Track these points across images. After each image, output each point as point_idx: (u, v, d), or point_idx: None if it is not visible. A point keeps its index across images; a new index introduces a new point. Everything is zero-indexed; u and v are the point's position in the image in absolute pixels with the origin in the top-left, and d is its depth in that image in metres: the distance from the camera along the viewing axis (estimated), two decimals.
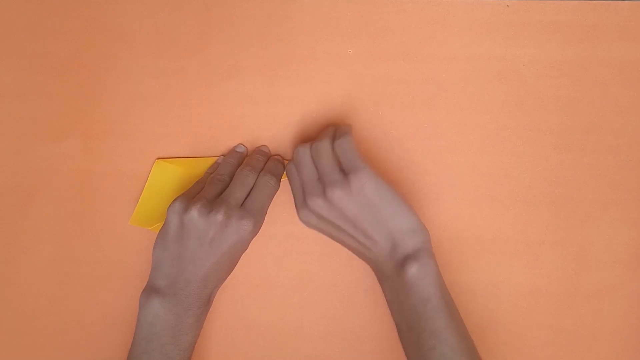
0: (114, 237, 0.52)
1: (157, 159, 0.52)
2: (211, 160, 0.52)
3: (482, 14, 0.51)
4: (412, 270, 0.43)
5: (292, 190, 0.48)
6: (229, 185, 0.48)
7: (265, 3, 0.52)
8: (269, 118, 0.52)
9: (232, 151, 0.52)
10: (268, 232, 0.52)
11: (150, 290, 0.45)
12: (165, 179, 0.51)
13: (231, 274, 0.51)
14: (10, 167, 0.52)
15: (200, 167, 0.51)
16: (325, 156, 0.46)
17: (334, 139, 0.46)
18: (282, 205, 0.51)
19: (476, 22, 0.51)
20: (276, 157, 0.51)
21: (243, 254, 0.48)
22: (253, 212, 0.46)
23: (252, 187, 0.48)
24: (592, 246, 0.51)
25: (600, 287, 0.51)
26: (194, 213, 0.45)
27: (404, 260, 0.44)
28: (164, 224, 0.46)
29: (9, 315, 0.52)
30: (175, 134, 0.52)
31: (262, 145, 0.52)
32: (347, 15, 0.52)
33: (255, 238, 0.51)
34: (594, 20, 0.51)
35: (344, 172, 0.44)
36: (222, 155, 0.52)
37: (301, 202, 0.46)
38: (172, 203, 0.46)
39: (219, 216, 0.45)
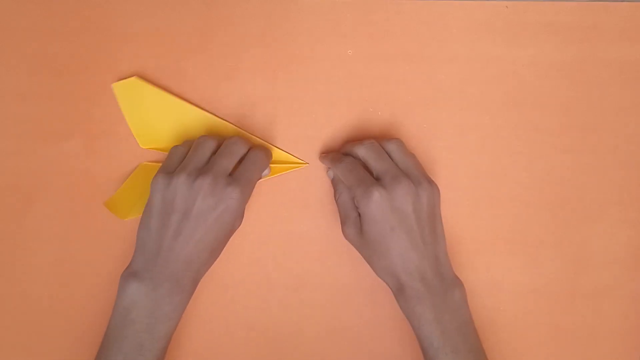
0: (114, 237, 0.52)
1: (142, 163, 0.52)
2: None
3: (482, 14, 0.52)
4: (459, 293, 0.45)
5: (356, 177, 0.46)
6: (217, 154, 0.46)
7: (265, 3, 0.52)
8: (269, 118, 0.52)
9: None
10: (268, 232, 0.52)
11: (129, 273, 0.44)
12: (148, 178, 0.50)
13: (231, 274, 0.51)
14: (11, 167, 0.52)
15: None
16: (411, 156, 0.47)
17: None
18: (282, 206, 0.51)
19: (475, 23, 0.52)
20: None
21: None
22: (241, 180, 0.45)
23: (242, 159, 0.47)
24: (591, 246, 0.51)
25: (599, 287, 0.51)
26: (177, 183, 0.43)
27: (453, 282, 0.45)
28: (147, 202, 0.45)
29: (9, 314, 0.52)
30: None
31: None
32: (346, 16, 0.52)
33: (255, 238, 0.51)
34: (594, 21, 0.51)
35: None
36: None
37: (376, 184, 0.44)
38: (154, 179, 0.44)
39: (205, 182, 0.43)
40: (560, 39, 0.51)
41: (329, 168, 0.50)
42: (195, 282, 0.45)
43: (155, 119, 0.51)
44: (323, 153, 0.51)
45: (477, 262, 0.51)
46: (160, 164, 0.48)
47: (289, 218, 0.52)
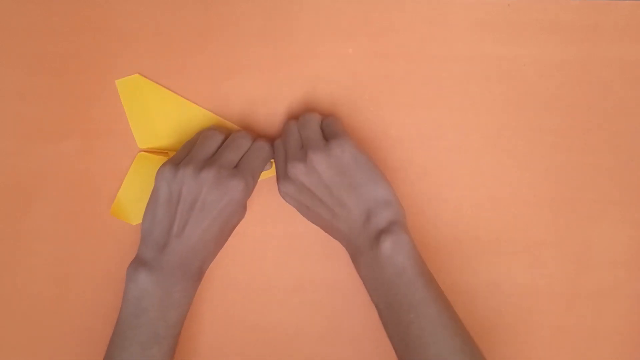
0: (114, 237, 0.52)
1: (140, 151, 0.52)
2: None
3: (483, 13, 0.51)
4: (386, 243, 0.43)
5: (276, 164, 0.48)
6: (222, 147, 0.47)
7: (265, 3, 0.52)
8: (269, 118, 0.52)
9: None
10: (268, 232, 0.52)
11: (138, 263, 0.44)
12: (148, 170, 0.50)
13: (231, 274, 0.51)
14: (10, 167, 0.52)
15: None
16: (311, 126, 0.47)
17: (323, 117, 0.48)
18: (282, 206, 0.51)
19: (477, 22, 0.51)
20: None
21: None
22: (245, 172, 0.45)
23: (246, 152, 0.47)
24: (592, 246, 0.51)
25: (600, 287, 0.51)
26: (184, 174, 0.44)
27: (379, 234, 0.43)
28: (152, 192, 0.45)
29: (9, 314, 0.52)
30: None
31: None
32: (347, 14, 0.52)
33: (255, 238, 0.51)
34: (595, 20, 0.51)
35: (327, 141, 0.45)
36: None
37: (283, 172, 0.46)
38: (160, 169, 0.45)
39: (210, 174, 0.44)
40: (561, 37, 0.51)
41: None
42: (202, 271, 0.46)
43: (156, 116, 0.51)
44: None
45: (478, 262, 0.51)
46: (158, 154, 0.49)
47: (289, 218, 0.51)
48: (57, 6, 0.52)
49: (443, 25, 0.51)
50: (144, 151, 0.52)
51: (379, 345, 0.51)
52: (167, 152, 0.51)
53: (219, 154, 0.46)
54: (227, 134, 0.48)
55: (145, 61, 0.52)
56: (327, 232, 0.48)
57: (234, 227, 0.48)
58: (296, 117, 0.51)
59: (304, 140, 0.46)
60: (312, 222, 0.48)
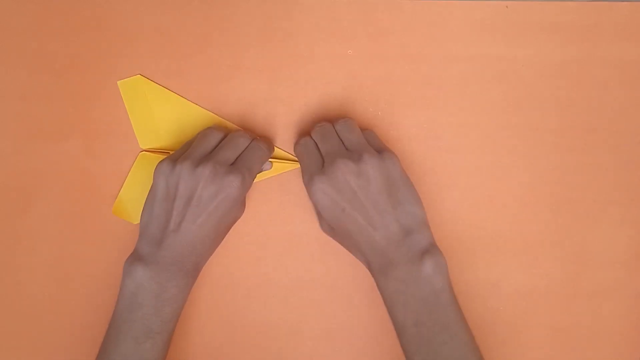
0: (114, 237, 0.52)
1: (142, 151, 0.52)
2: None
3: (482, 14, 0.52)
4: (430, 262, 0.43)
5: (305, 160, 0.47)
6: (220, 145, 0.47)
7: (265, 3, 0.52)
8: (269, 118, 0.52)
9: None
10: (268, 232, 0.52)
11: (135, 258, 0.44)
12: (150, 170, 0.50)
13: (231, 274, 0.51)
14: (11, 167, 0.52)
15: None
16: (357, 132, 0.47)
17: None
18: (282, 205, 0.51)
19: (475, 23, 0.52)
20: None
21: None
22: (242, 169, 0.45)
23: (243, 151, 0.47)
24: (591, 246, 0.51)
25: (599, 287, 0.51)
26: (181, 169, 0.44)
27: (422, 252, 0.43)
28: (151, 187, 0.46)
29: (8, 314, 0.52)
30: None
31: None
32: (346, 15, 0.52)
33: (255, 238, 0.51)
34: (594, 21, 0.51)
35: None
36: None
37: (317, 168, 0.45)
38: (158, 165, 0.45)
39: (206, 170, 0.44)
40: (560, 38, 0.51)
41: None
42: (198, 267, 0.46)
43: (158, 116, 0.51)
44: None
45: (477, 262, 0.51)
46: (160, 154, 0.49)
47: (289, 218, 0.52)
48: (58, 6, 0.52)
49: (442, 26, 0.52)
50: (146, 151, 0.52)
51: (379, 345, 0.51)
52: (168, 152, 0.52)
53: (216, 151, 0.46)
54: (226, 133, 0.48)
55: (145, 61, 0.52)
56: (350, 240, 0.46)
57: (232, 223, 0.48)
58: (294, 118, 0.51)
59: (350, 143, 0.46)
60: (337, 227, 0.46)
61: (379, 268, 0.44)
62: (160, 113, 0.51)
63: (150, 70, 0.52)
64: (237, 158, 0.47)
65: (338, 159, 0.44)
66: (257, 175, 0.49)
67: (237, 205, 0.46)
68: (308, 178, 0.45)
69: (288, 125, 0.52)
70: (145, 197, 0.47)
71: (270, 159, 0.50)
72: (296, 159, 0.51)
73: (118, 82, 0.51)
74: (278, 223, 0.52)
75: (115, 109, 0.52)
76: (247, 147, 0.48)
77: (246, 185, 0.46)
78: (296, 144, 0.49)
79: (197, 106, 0.51)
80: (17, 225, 0.52)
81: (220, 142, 0.47)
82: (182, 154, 0.46)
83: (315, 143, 0.47)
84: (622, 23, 0.51)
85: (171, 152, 0.51)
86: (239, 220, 0.49)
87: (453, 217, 0.51)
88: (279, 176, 0.52)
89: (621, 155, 0.51)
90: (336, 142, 0.46)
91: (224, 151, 0.46)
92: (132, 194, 0.51)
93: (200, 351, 0.52)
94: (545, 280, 0.51)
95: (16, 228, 0.52)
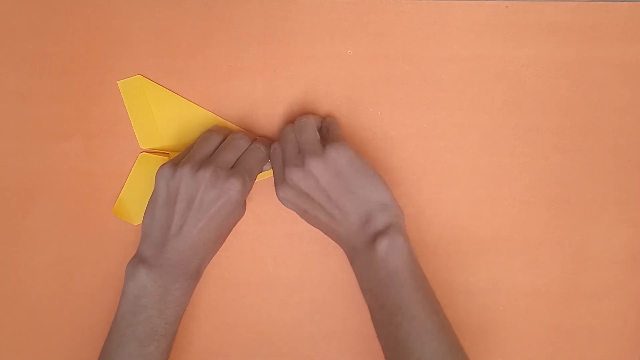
0: (114, 237, 0.52)
1: (142, 152, 0.52)
2: None
3: (481, 14, 0.52)
4: (382, 245, 0.43)
5: (273, 168, 0.48)
6: (220, 147, 0.47)
7: (265, 4, 0.52)
8: (269, 118, 0.52)
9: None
10: (268, 232, 0.52)
11: (138, 261, 0.44)
12: (150, 170, 0.50)
13: (231, 273, 0.51)
14: (11, 167, 0.52)
15: None
16: (308, 130, 0.47)
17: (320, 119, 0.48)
18: (282, 205, 0.51)
19: (475, 23, 0.52)
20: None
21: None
22: (242, 172, 0.46)
23: (243, 153, 0.47)
24: (591, 246, 0.51)
25: (599, 287, 0.51)
26: (182, 173, 0.44)
27: (375, 236, 0.43)
28: (153, 191, 0.46)
29: (9, 314, 0.52)
30: None
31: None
32: (346, 16, 0.52)
33: (255, 238, 0.51)
34: (594, 21, 0.51)
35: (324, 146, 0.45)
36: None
37: (280, 178, 0.46)
38: (159, 168, 0.45)
39: (207, 174, 0.44)
40: (560, 39, 0.51)
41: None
42: (200, 269, 0.47)
43: (158, 117, 0.51)
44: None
45: (477, 262, 0.51)
46: (160, 155, 0.49)
47: (289, 218, 0.52)
48: (58, 6, 0.52)
49: (442, 27, 0.52)
50: (146, 152, 0.52)
51: (378, 345, 0.51)
52: (168, 153, 0.52)
53: (216, 154, 0.46)
54: (226, 135, 0.48)
55: (146, 61, 0.52)
56: (326, 234, 0.48)
57: (233, 225, 0.48)
58: (294, 119, 0.51)
59: (301, 145, 0.46)
60: (312, 225, 0.48)
61: (349, 257, 0.46)
62: (160, 113, 0.51)
63: (150, 70, 0.52)
64: (237, 160, 0.47)
65: (287, 168, 0.45)
66: (257, 175, 0.49)
67: (238, 208, 0.47)
68: (275, 185, 0.47)
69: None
70: (145, 198, 0.47)
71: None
72: None
73: (118, 82, 0.51)
74: (278, 223, 0.52)
75: (115, 109, 0.52)
76: (247, 148, 0.48)
77: (247, 188, 0.46)
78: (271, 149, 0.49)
79: (197, 106, 0.51)
80: (17, 225, 0.52)
81: (220, 144, 0.48)
82: (183, 158, 0.46)
83: None
84: (622, 23, 0.51)
85: (171, 153, 0.51)
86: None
87: (453, 217, 0.51)
88: None
89: (621, 155, 0.51)
90: (291, 147, 0.47)
91: (224, 154, 0.46)
92: (133, 195, 0.51)
93: (201, 351, 0.52)
94: (544, 280, 0.51)
95: (16, 228, 0.52)
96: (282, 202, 0.47)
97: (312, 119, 0.48)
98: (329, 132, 0.48)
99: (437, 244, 0.51)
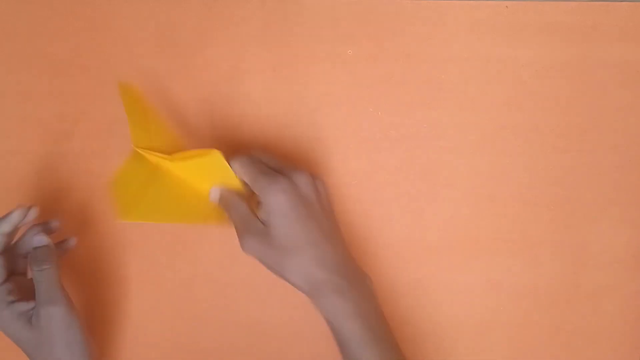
0: (114, 237, 0.52)
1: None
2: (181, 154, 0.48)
3: (481, 14, 0.52)
4: (370, 281, 0.45)
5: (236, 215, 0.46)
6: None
7: (265, 4, 0.52)
8: (269, 118, 0.52)
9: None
10: None
11: None
12: (140, 167, 0.49)
13: (231, 273, 0.51)
14: (11, 167, 0.52)
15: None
16: (237, 207, 0.46)
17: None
18: None
19: (475, 23, 0.52)
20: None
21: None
22: (46, 299, 0.44)
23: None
24: (591, 246, 0.51)
25: (599, 287, 0.51)
26: None
27: (362, 272, 0.45)
28: None
29: None
30: None
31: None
32: (346, 16, 0.52)
33: None
34: (593, 21, 0.51)
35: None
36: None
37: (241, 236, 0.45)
38: None
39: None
40: (560, 39, 0.51)
41: (213, 190, 0.48)
42: None
43: (150, 124, 0.49)
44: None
45: (477, 262, 0.51)
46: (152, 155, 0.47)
47: None
48: (57, 6, 0.52)
49: (442, 27, 0.52)
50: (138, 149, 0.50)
51: None
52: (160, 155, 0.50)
53: None
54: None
55: (145, 62, 0.52)
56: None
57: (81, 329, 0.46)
58: (294, 119, 0.51)
59: (235, 225, 0.45)
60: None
61: (333, 288, 0.44)
62: (152, 122, 0.49)
63: (150, 70, 0.52)
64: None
65: (299, 169, 0.45)
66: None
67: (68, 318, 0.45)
68: (268, 180, 0.44)
69: (288, 126, 0.52)
70: (136, 193, 0.46)
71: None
72: (203, 152, 0.47)
73: (118, 82, 0.51)
74: None
75: (115, 109, 0.52)
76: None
77: (63, 302, 0.45)
78: (239, 155, 0.47)
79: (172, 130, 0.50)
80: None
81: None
82: None
83: None
84: (622, 23, 0.51)
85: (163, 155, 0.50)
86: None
87: (453, 217, 0.51)
88: None
89: (621, 155, 0.51)
90: (284, 161, 0.47)
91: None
92: (126, 186, 0.49)
93: (200, 351, 0.52)
94: (545, 280, 0.51)
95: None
96: (277, 195, 0.43)
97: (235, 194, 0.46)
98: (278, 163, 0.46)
99: (438, 244, 0.51)
